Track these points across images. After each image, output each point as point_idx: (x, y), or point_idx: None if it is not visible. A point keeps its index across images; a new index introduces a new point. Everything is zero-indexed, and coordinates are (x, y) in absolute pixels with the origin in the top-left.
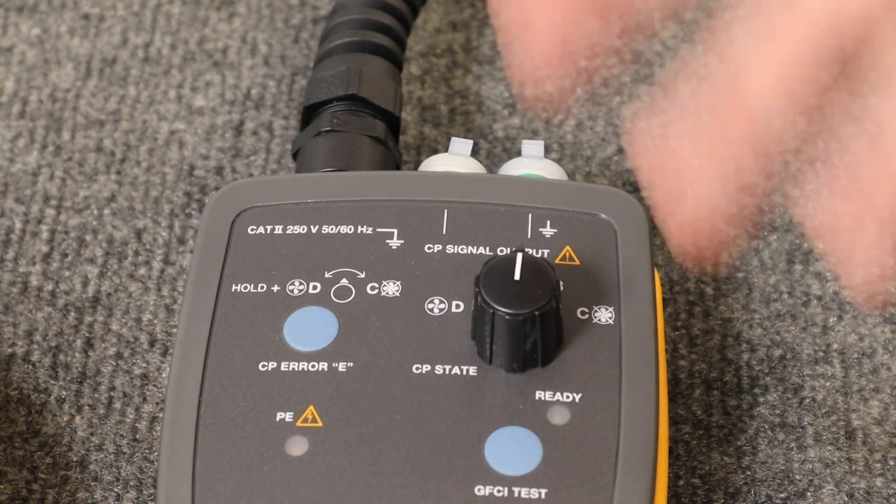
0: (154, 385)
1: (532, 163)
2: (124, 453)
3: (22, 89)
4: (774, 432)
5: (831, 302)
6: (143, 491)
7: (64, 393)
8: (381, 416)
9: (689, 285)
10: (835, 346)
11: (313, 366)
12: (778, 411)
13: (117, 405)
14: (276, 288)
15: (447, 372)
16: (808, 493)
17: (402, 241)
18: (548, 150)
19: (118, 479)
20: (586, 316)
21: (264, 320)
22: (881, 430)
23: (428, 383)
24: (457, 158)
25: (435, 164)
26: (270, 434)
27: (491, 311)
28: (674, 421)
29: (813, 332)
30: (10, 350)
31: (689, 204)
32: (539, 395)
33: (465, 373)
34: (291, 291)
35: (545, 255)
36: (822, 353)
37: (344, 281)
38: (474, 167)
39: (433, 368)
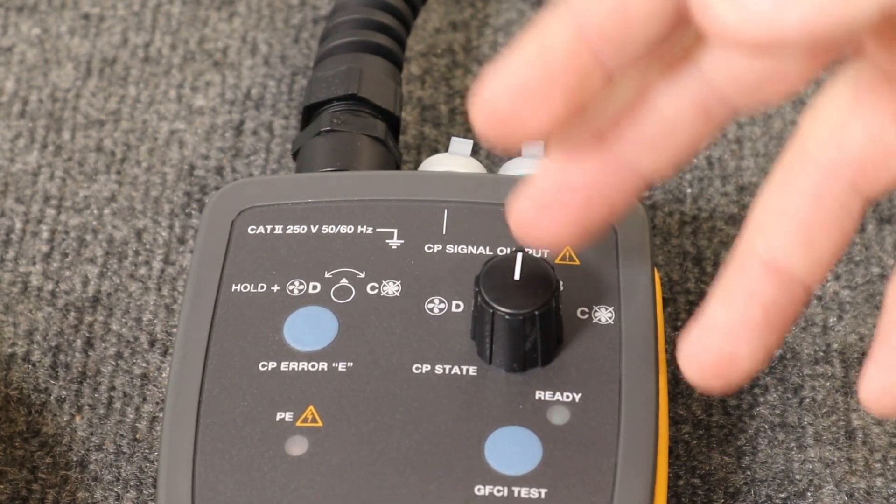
0: (154, 385)
1: (532, 163)
2: (124, 453)
3: (22, 89)
4: (774, 432)
5: (831, 302)
6: (143, 491)
7: (64, 393)
8: (380, 415)
9: (689, 285)
10: (835, 346)
11: (313, 366)
12: (778, 411)
13: (117, 405)
14: (276, 288)
15: (447, 372)
16: (808, 493)
17: (402, 241)
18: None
19: (118, 479)
20: (586, 316)
21: (264, 320)
22: (881, 430)
23: (428, 383)
24: (457, 158)
25: (435, 163)
26: (270, 434)
27: (491, 310)
28: (674, 421)
29: (813, 332)
30: (10, 350)
31: None
32: (539, 394)
33: (464, 373)
34: (291, 291)
35: (545, 255)
36: (822, 353)
37: (344, 281)
38: (474, 167)
39: (433, 368)
